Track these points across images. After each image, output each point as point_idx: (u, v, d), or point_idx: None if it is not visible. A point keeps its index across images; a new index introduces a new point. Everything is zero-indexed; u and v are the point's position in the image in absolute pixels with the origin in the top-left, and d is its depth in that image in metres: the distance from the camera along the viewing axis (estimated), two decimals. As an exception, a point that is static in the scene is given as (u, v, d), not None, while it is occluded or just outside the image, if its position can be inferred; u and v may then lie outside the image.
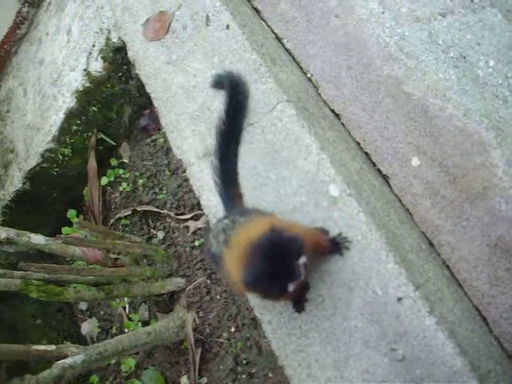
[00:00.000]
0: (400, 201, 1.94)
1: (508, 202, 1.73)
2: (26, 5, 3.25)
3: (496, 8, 1.85)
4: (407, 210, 1.93)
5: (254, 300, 1.89)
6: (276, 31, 2.34)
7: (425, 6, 1.99)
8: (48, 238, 2.41)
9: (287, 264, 1.41)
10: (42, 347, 2.06)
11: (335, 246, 1.70)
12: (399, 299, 1.57)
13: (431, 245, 1.86)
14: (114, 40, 2.66)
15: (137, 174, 2.96)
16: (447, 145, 1.88)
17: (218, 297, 2.43)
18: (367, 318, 1.62)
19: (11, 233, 2.38)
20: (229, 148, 1.94)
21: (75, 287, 2.35)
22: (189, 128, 2.17)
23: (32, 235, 2.40)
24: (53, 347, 2.06)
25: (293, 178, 1.86)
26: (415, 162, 1.94)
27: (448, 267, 1.82)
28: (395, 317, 1.57)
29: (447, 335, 1.50)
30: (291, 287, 1.42)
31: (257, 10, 2.41)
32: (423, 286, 1.59)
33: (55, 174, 3.10)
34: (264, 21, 2.37)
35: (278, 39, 2.32)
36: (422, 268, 1.67)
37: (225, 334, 2.37)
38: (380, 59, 2.05)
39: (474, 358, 1.51)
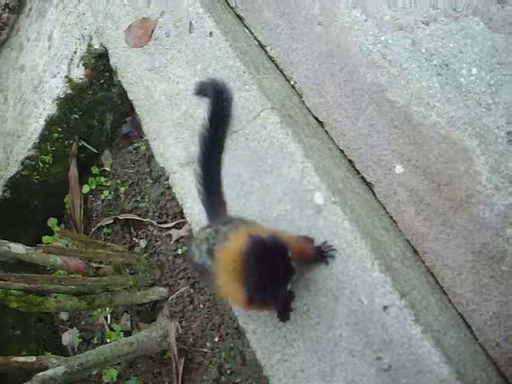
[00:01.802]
0: (384, 208, 1.94)
1: (492, 209, 1.74)
2: (7, 10, 3.21)
3: (478, 16, 1.86)
4: (391, 217, 1.93)
5: (238, 309, 1.87)
6: (259, 39, 2.33)
7: (408, 14, 2.00)
8: (28, 248, 2.37)
9: (281, 264, 1.42)
10: (21, 359, 2.01)
11: (320, 254, 1.69)
12: (385, 308, 1.56)
13: (416, 252, 1.86)
14: (96, 46, 2.64)
15: (119, 181, 2.93)
16: (431, 152, 1.88)
17: (201, 306, 2.41)
18: (352, 326, 1.61)
19: (-10, 242, 2.34)
20: (212, 156, 1.91)
21: (56, 297, 2.32)
22: (172, 135, 2.16)
23: (12, 244, 2.35)
24: (33, 358, 2.02)
25: (277, 185, 1.85)
26: (399, 169, 1.94)
27: (432, 275, 1.82)
28: (381, 325, 1.57)
29: (433, 343, 1.49)
30: (290, 285, 1.46)
31: (240, 18, 2.40)
32: (409, 295, 1.58)
33: (36, 181, 3.05)
34: (247, 28, 2.37)
35: (262, 46, 2.32)
36: (407, 276, 1.67)
37: (208, 344, 2.35)
38: (363, 67, 2.06)
39: (460, 366, 1.51)
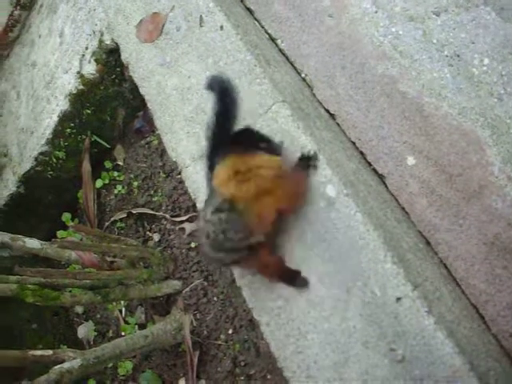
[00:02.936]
0: (396, 200, 1.94)
1: (504, 200, 1.74)
2: (18, 8, 3.24)
3: (489, 6, 1.85)
4: (404, 209, 1.93)
5: (252, 302, 1.89)
6: (270, 32, 2.33)
7: (418, 4, 1.99)
8: (43, 242, 2.39)
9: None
10: (38, 352, 2.04)
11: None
12: (398, 299, 1.57)
13: (428, 244, 1.86)
14: (107, 42, 2.64)
15: (131, 176, 2.94)
16: (443, 143, 1.88)
17: (214, 298, 2.42)
18: (366, 318, 1.62)
19: (6, 237, 2.36)
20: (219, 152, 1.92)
21: (70, 291, 2.34)
22: (184, 130, 2.17)
23: (27, 239, 2.38)
24: (50, 352, 2.05)
25: (289, 178, 1.86)
26: (411, 161, 1.94)
27: (445, 266, 1.82)
28: (394, 317, 1.57)
29: (446, 334, 1.49)
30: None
31: (250, 11, 2.40)
32: (421, 286, 1.59)
33: (49, 177, 3.08)
34: (257, 21, 2.37)
35: (272, 40, 2.32)
36: (420, 267, 1.67)
37: (222, 336, 2.36)
38: (374, 58, 2.05)
39: (473, 356, 1.51)
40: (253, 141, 1.70)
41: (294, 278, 1.76)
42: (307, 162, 1.77)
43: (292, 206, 1.74)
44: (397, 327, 1.57)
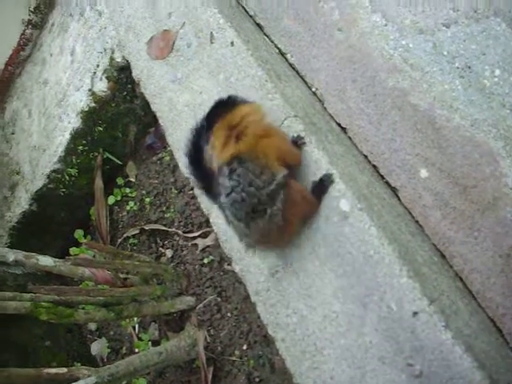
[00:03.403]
0: (410, 213, 1.93)
1: (519, 211, 1.72)
2: (30, 26, 3.27)
3: (500, 17, 1.84)
4: (417, 222, 1.92)
5: (266, 318, 1.88)
6: (279, 46, 2.34)
7: (428, 17, 1.98)
8: (56, 260, 2.40)
9: None
10: (53, 370, 2.05)
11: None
12: (414, 314, 1.56)
13: (443, 257, 1.84)
14: (118, 59, 2.67)
15: (144, 192, 2.95)
16: (455, 156, 1.87)
17: (228, 314, 2.42)
18: (382, 333, 1.61)
19: (20, 255, 2.37)
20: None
21: (83, 308, 2.34)
22: (196, 146, 2.17)
23: (40, 257, 2.39)
24: (64, 370, 2.05)
25: (303, 193, 1.85)
26: (424, 173, 1.92)
27: (461, 279, 1.80)
28: (411, 332, 1.56)
29: (464, 349, 1.48)
30: None
31: (259, 26, 2.41)
32: (438, 300, 1.57)
33: (62, 194, 3.10)
34: (267, 36, 2.38)
35: (282, 54, 2.33)
36: (436, 281, 1.65)
37: (237, 352, 2.36)
38: (385, 71, 2.05)
39: (493, 371, 1.49)
40: (222, 108, 1.74)
41: (323, 184, 1.79)
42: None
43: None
44: (414, 342, 1.55)
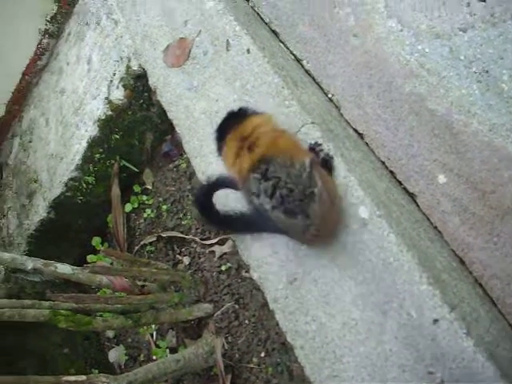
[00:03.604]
0: (428, 219, 1.92)
1: (539, 216, 1.71)
2: (47, 36, 3.30)
3: (517, 21, 1.83)
4: (436, 228, 1.90)
5: (285, 325, 1.87)
6: (295, 53, 2.34)
7: (444, 22, 1.98)
8: (75, 268, 2.41)
9: None
10: (72, 378, 2.04)
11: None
12: (435, 321, 1.54)
13: (462, 263, 1.83)
14: (135, 68, 2.68)
15: (160, 199, 2.96)
16: (474, 161, 1.85)
17: (246, 321, 2.41)
18: (402, 341, 1.60)
19: (38, 263, 2.38)
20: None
21: (101, 315, 2.35)
22: (213, 153, 2.16)
23: (58, 265, 2.40)
24: (83, 377, 2.05)
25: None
26: (442, 179, 1.91)
27: (481, 285, 1.78)
28: (431, 339, 1.55)
29: (487, 357, 1.46)
30: None
31: (275, 33, 2.41)
32: (458, 307, 1.56)
33: (79, 202, 3.11)
34: (282, 43, 2.38)
35: (298, 61, 2.33)
36: (456, 288, 1.64)
37: (255, 359, 2.35)
38: (401, 77, 2.04)
39: (516, 379, 1.48)
40: (234, 120, 1.79)
41: (328, 163, 1.84)
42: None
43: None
44: (434, 350, 1.54)
